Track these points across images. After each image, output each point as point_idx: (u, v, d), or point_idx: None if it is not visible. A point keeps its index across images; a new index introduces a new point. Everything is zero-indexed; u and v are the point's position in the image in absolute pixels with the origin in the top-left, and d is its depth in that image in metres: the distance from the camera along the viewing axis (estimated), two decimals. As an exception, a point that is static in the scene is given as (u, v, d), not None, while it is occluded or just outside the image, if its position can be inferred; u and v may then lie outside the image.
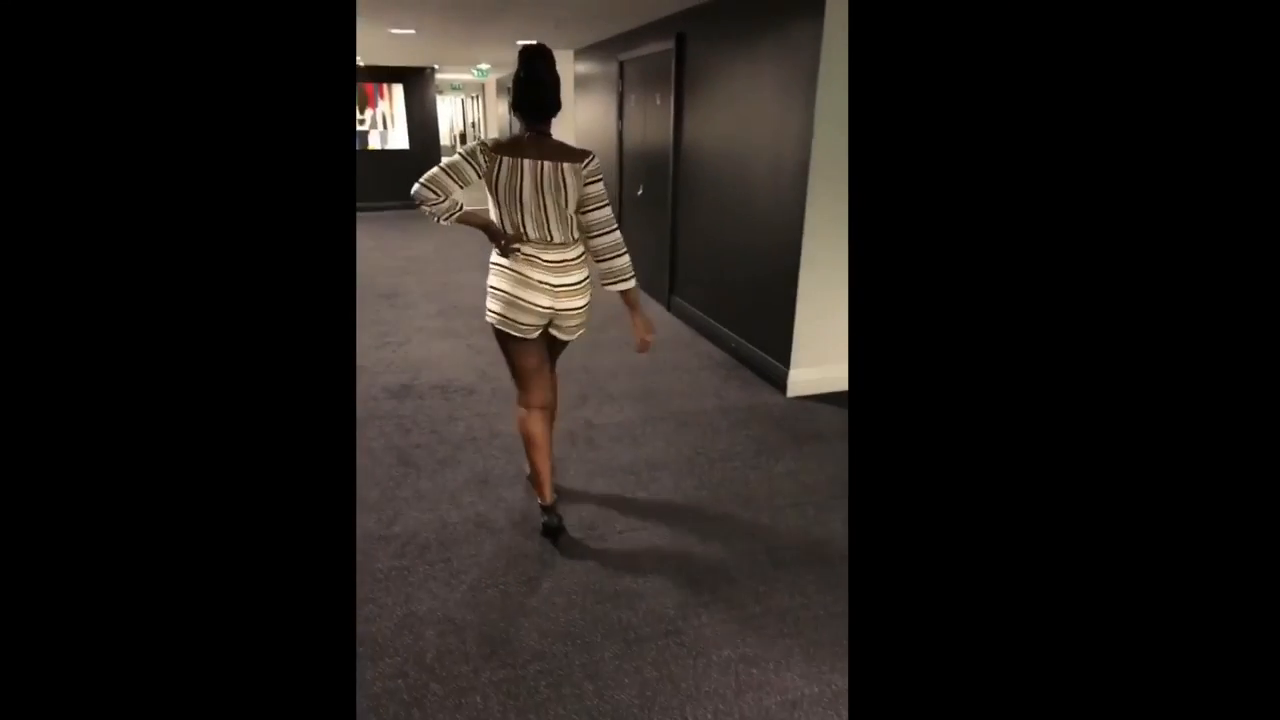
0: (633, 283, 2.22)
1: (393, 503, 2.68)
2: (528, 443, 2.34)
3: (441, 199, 2.00)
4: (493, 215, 2.12)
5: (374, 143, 9.95)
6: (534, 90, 2.00)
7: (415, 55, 8.40)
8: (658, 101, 5.00)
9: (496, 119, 13.34)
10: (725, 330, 4.35)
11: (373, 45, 7.02)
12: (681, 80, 4.58)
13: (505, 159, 1.99)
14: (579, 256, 2.19)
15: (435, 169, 2.00)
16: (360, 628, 2.03)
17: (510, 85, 2.04)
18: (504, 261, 2.14)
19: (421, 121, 10.01)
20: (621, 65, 5.69)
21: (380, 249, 7.47)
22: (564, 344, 2.34)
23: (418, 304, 5.42)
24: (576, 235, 2.15)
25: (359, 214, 9.65)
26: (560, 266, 2.13)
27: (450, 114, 16.36)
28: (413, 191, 2.01)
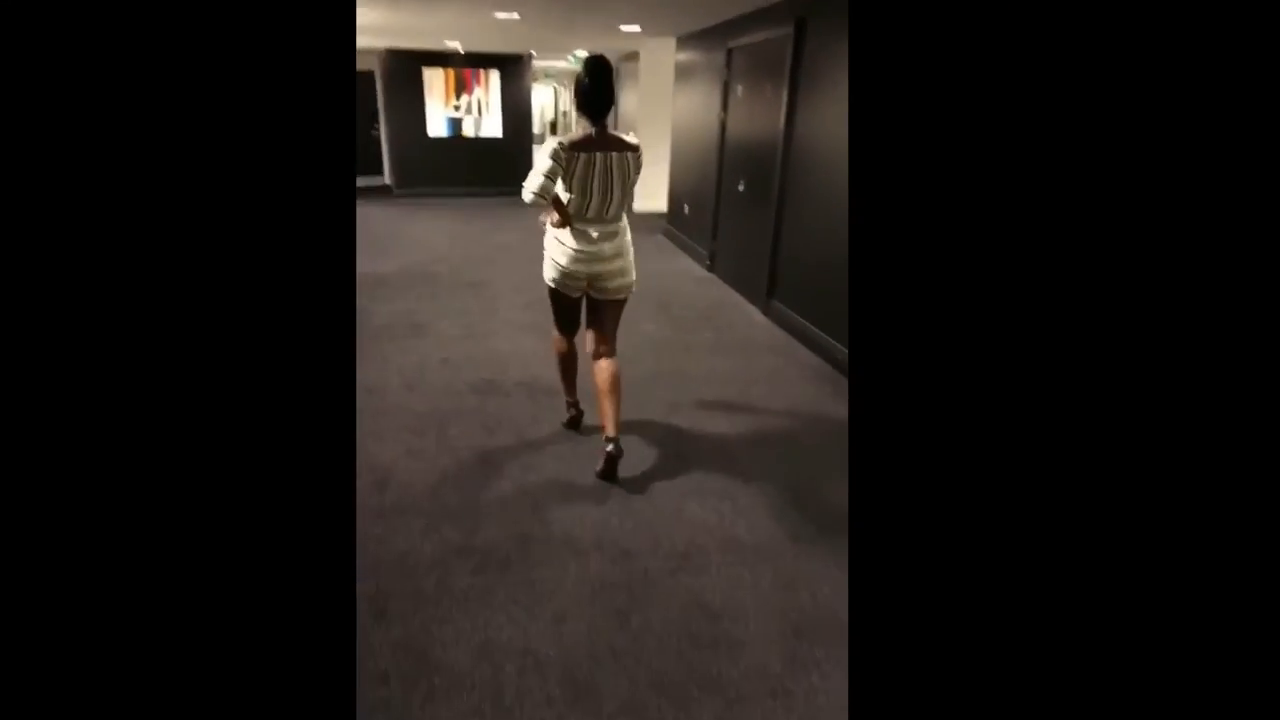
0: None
1: (474, 511, 2.52)
2: (560, 366, 2.97)
3: (548, 202, 2.46)
4: (563, 196, 2.52)
5: (468, 129, 9.99)
6: (597, 95, 2.48)
7: (513, 42, 8.35)
8: (768, 92, 4.70)
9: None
10: (829, 339, 4.03)
11: (473, 30, 6.97)
12: (798, 70, 4.26)
13: (581, 155, 2.45)
14: (622, 226, 2.65)
15: (540, 179, 2.40)
16: (438, 652, 1.87)
17: (575, 89, 2.50)
18: (561, 234, 2.58)
19: (516, 109, 9.99)
20: (730, 53, 5.41)
21: (468, 236, 7.44)
22: (612, 307, 2.74)
23: (504, 294, 5.31)
24: (626, 210, 2.64)
25: (450, 199, 9.73)
26: (607, 235, 2.59)
27: (542, 102, 16.40)
28: (528, 201, 2.43)
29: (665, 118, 8.78)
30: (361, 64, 10.44)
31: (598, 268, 2.61)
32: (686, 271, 6.22)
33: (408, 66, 9.50)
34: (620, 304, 2.75)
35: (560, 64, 12.13)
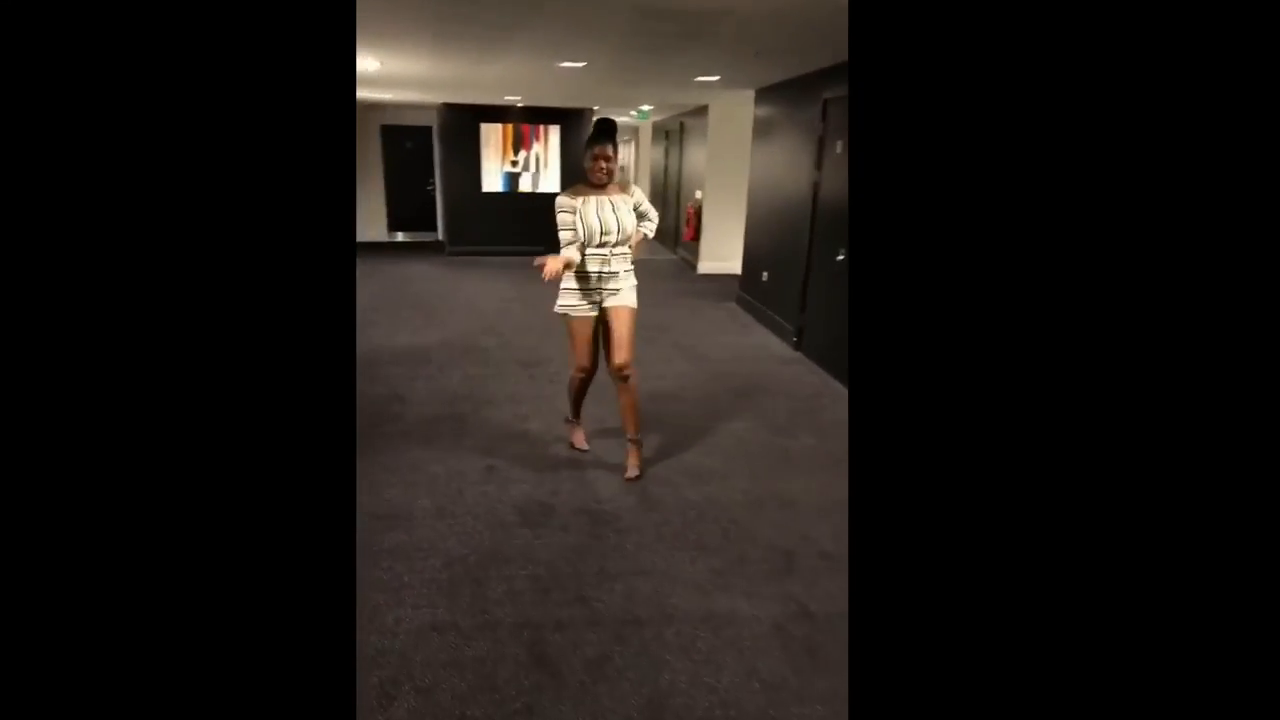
0: (651, 231, 3.20)
1: (519, 754, 1.72)
2: (572, 391, 3.31)
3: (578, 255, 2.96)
4: (582, 233, 2.95)
5: (524, 185, 9.53)
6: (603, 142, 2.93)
7: (575, 96, 7.87)
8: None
9: (649, 164, 12.78)
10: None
11: (534, 83, 6.48)
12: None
13: (586, 199, 2.94)
14: (628, 254, 3.07)
15: (568, 233, 2.94)
16: None
17: (588, 142, 2.95)
18: (571, 280, 3.03)
19: (575, 165, 9.50)
20: (825, 104, 4.70)
21: (522, 302, 6.80)
22: (626, 322, 3.04)
23: (561, 376, 4.58)
24: (626, 239, 3.03)
25: (504, 259, 9.21)
26: (617, 258, 3.02)
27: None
28: (566, 257, 2.87)
29: (737, 174, 8.13)
30: (419, 119, 10.17)
31: (609, 284, 3.03)
32: (767, 349, 5.41)
33: (465, 121, 9.13)
34: (631, 312, 3.07)
35: (622, 118, 11.73)
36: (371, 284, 7.42)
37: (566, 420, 3.52)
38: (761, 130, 6.26)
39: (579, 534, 2.70)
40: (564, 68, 4.96)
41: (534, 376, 4.56)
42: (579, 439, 3.48)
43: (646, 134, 13.16)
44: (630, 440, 3.20)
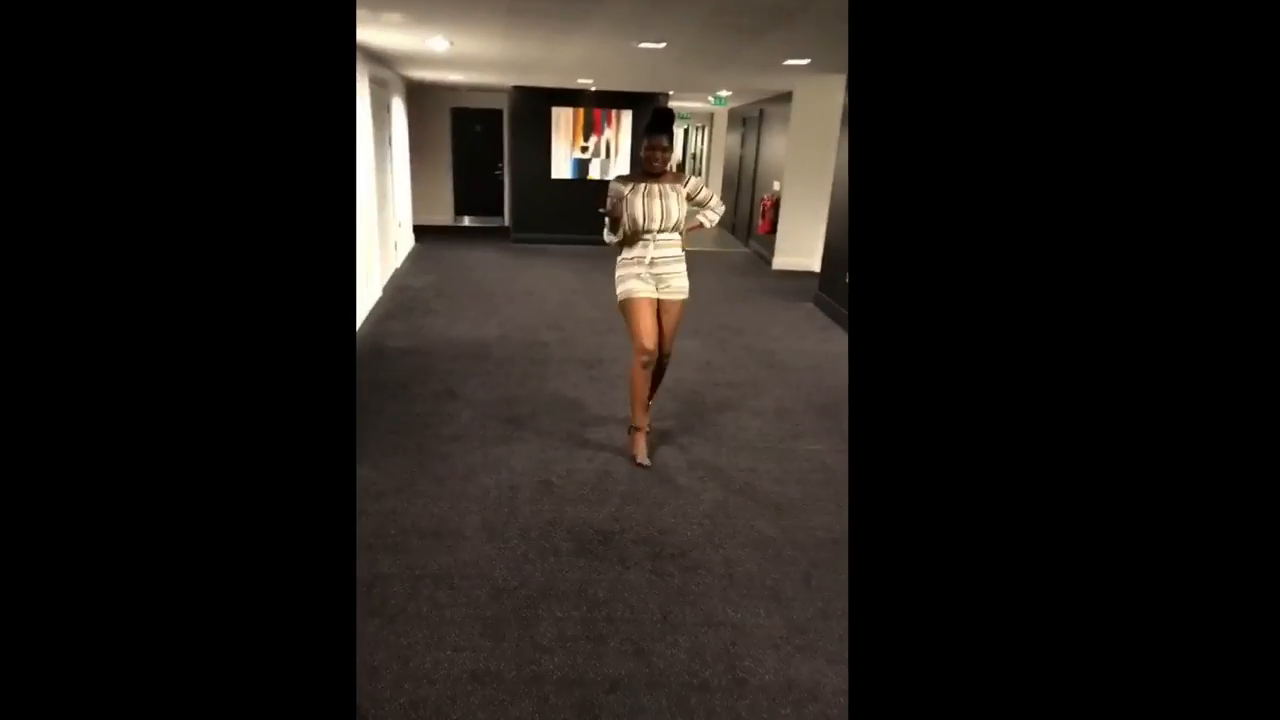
0: (712, 220, 3.38)
1: None
2: (635, 390, 3.18)
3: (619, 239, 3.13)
4: (626, 219, 3.08)
5: (594, 172, 9.27)
6: (660, 133, 3.07)
7: (650, 81, 7.54)
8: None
9: (723, 151, 12.34)
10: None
11: (609, 66, 6.18)
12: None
13: (639, 185, 3.06)
14: (678, 241, 3.17)
15: (611, 219, 3.07)
16: None
17: (645, 130, 3.13)
18: (628, 256, 3.14)
19: (647, 152, 9.18)
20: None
21: (586, 295, 6.55)
22: (675, 315, 3.17)
23: (625, 380, 4.31)
24: (679, 228, 3.14)
25: (570, 247, 8.99)
26: (665, 244, 3.12)
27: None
28: (609, 240, 3.14)
29: (820, 165, 7.66)
30: (489, 102, 10.03)
31: (661, 269, 3.11)
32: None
33: (535, 104, 8.91)
34: (681, 305, 3.18)
35: (697, 105, 11.32)
36: (434, 270, 7.31)
37: (631, 429, 3.27)
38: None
39: (640, 570, 2.41)
40: (643, 49, 4.64)
41: (595, 378, 4.29)
42: (640, 451, 3.19)
43: (721, 121, 12.71)
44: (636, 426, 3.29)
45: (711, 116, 13.49)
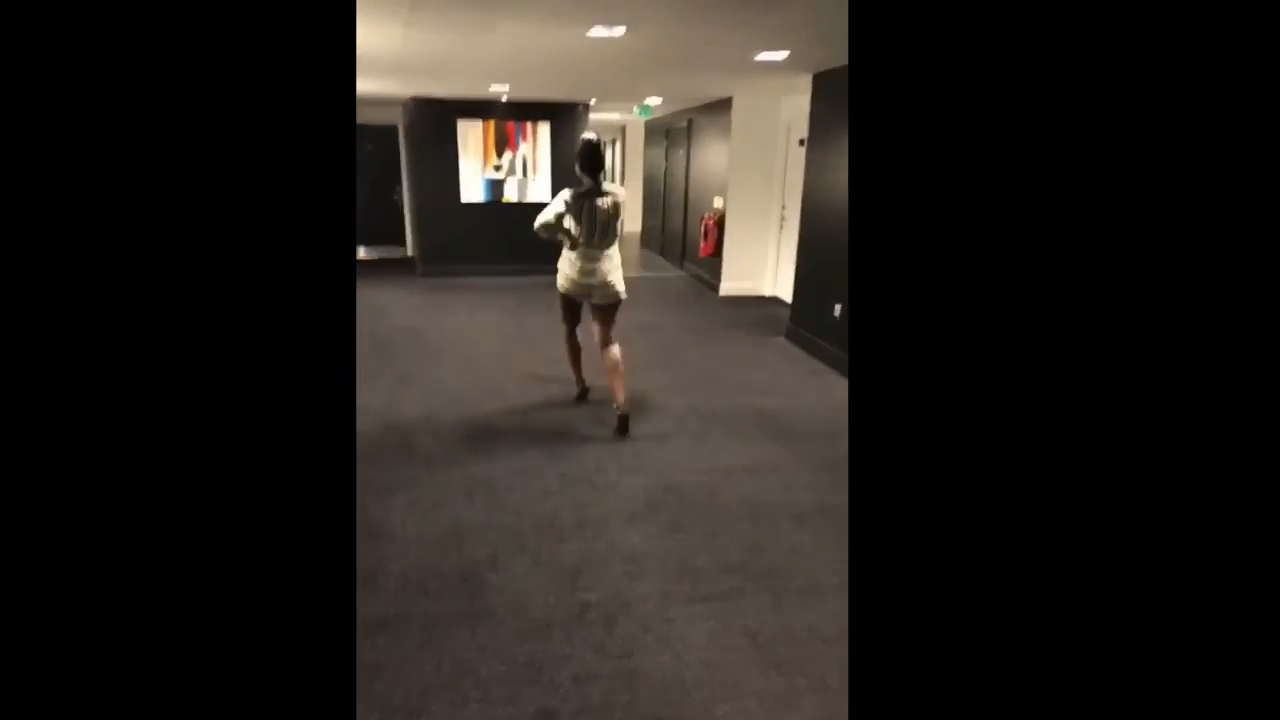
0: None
1: None
2: (571, 351, 4.04)
3: (554, 234, 3.53)
4: (569, 228, 3.53)
5: (510, 193, 8.14)
6: (596, 161, 3.49)
7: (571, 87, 6.55)
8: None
9: (640, 167, 11.47)
10: None
11: (530, 65, 5.13)
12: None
13: (585, 201, 3.48)
14: (611, 252, 3.61)
15: (550, 215, 3.47)
16: None
17: (580, 155, 3.51)
18: (570, 256, 3.61)
19: (568, 169, 8.12)
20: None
21: (524, 341, 5.42)
22: (607, 311, 3.68)
23: (623, 483, 3.25)
24: (612, 240, 3.60)
25: (490, 279, 7.81)
26: (600, 257, 3.57)
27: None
28: (536, 228, 3.52)
29: (766, 179, 6.89)
30: (382, 117, 8.70)
31: (593, 280, 3.57)
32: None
33: (439, 118, 7.69)
34: (612, 308, 3.66)
35: (612, 116, 10.38)
36: (329, 320, 5.96)
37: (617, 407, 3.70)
38: (822, 125, 5.00)
39: None
40: (594, 38, 3.63)
41: (567, 476, 3.21)
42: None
43: (636, 134, 11.84)
44: (616, 406, 3.71)
45: (623, 130, 12.61)
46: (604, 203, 3.46)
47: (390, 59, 4.67)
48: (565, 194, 3.47)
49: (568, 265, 3.59)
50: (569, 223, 3.48)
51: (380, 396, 4.14)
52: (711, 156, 7.54)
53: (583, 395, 4.08)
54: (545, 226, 3.45)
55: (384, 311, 6.29)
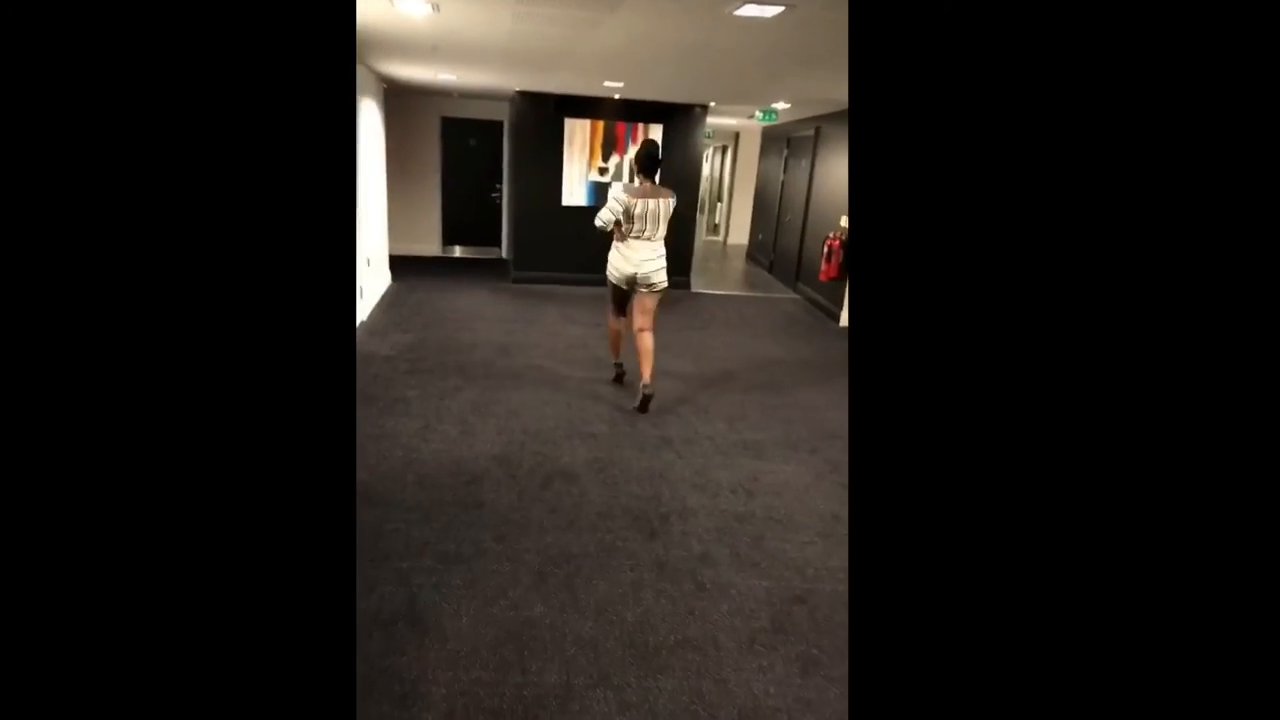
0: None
1: None
2: (613, 336, 4.37)
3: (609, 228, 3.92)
4: (621, 222, 3.87)
5: (614, 198, 7.58)
6: (653, 161, 3.88)
7: (690, 89, 5.90)
8: None
9: (751, 178, 10.72)
10: None
11: (651, 60, 4.52)
12: None
13: (638, 200, 3.78)
14: (657, 245, 3.94)
15: (609, 215, 3.86)
16: None
17: (638, 157, 3.90)
18: (621, 247, 3.92)
19: (683, 174, 7.47)
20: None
21: (611, 363, 4.82)
22: (650, 299, 3.98)
23: (725, 572, 2.56)
24: (661, 235, 3.94)
25: (585, 289, 7.27)
26: (647, 250, 3.90)
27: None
28: (597, 224, 3.94)
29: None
30: (487, 112, 8.35)
31: (641, 270, 3.89)
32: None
33: (545, 114, 7.23)
34: (657, 295, 3.97)
35: (729, 121, 9.67)
36: (411, 325, 5.55)
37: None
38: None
39: None
40: (745, 16, 2.94)
41: (664, 567, 2.53)
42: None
43: (750, 142, 11.08)
44: (644, 385, 3.97)
45: (736, 136, 11.87)
46: (659, 204, 3.80)
47: (494, 44, 4.17)
48: (621, 194, 3.78)
49: (618, 258, 3.92)
50: (622, 217, 3.82)
51: (453, 426, 3.61)
52: (841, 170, 6.72)
53: (619, 377, 4.46)
54: (605, 225, 3.88)
55: (469, 320, 5.84)
